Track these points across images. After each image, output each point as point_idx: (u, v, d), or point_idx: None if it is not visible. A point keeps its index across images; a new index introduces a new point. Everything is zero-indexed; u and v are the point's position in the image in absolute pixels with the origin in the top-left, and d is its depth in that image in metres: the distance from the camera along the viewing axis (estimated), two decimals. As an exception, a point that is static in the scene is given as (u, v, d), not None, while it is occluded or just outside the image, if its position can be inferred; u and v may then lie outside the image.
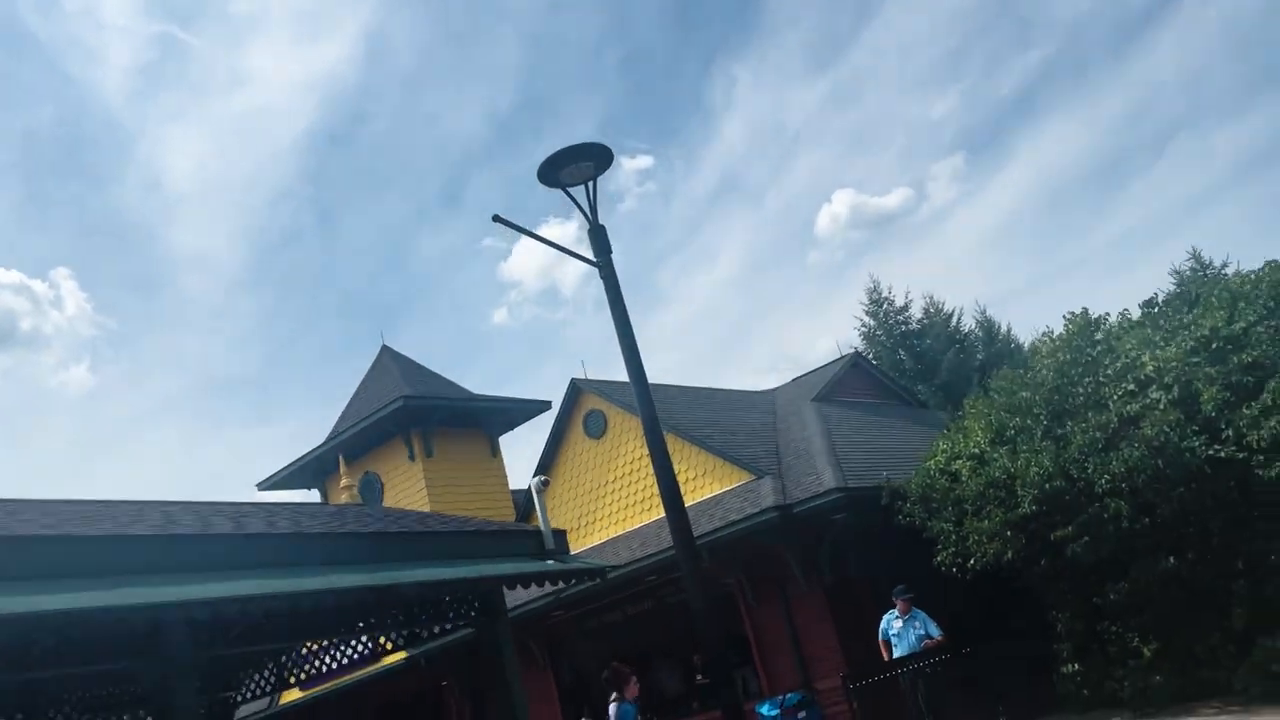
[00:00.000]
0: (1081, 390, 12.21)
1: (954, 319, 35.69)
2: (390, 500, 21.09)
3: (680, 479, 16.42)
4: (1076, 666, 12.21)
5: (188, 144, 69.27)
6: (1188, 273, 31.42)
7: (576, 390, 17.77)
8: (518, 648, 17.80)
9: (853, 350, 20.80)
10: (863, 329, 35.41)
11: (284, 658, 11.19)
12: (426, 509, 20.24)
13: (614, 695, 9.12)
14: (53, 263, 67.27)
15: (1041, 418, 12.39)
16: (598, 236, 7.37)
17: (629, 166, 68.07)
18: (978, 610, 15.52)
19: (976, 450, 13.09)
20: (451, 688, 18.99)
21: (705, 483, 16.05)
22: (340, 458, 11.32)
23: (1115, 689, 11.89)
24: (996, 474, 12.07)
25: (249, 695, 11.49)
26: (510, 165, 76.12)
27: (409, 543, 8.84)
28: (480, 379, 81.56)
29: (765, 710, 13.62)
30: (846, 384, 20.46)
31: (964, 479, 12.48)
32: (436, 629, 10.62)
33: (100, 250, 69.67)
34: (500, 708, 9.93)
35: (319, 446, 21.31)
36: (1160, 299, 13.95)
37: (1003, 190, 59.67)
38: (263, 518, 8.80)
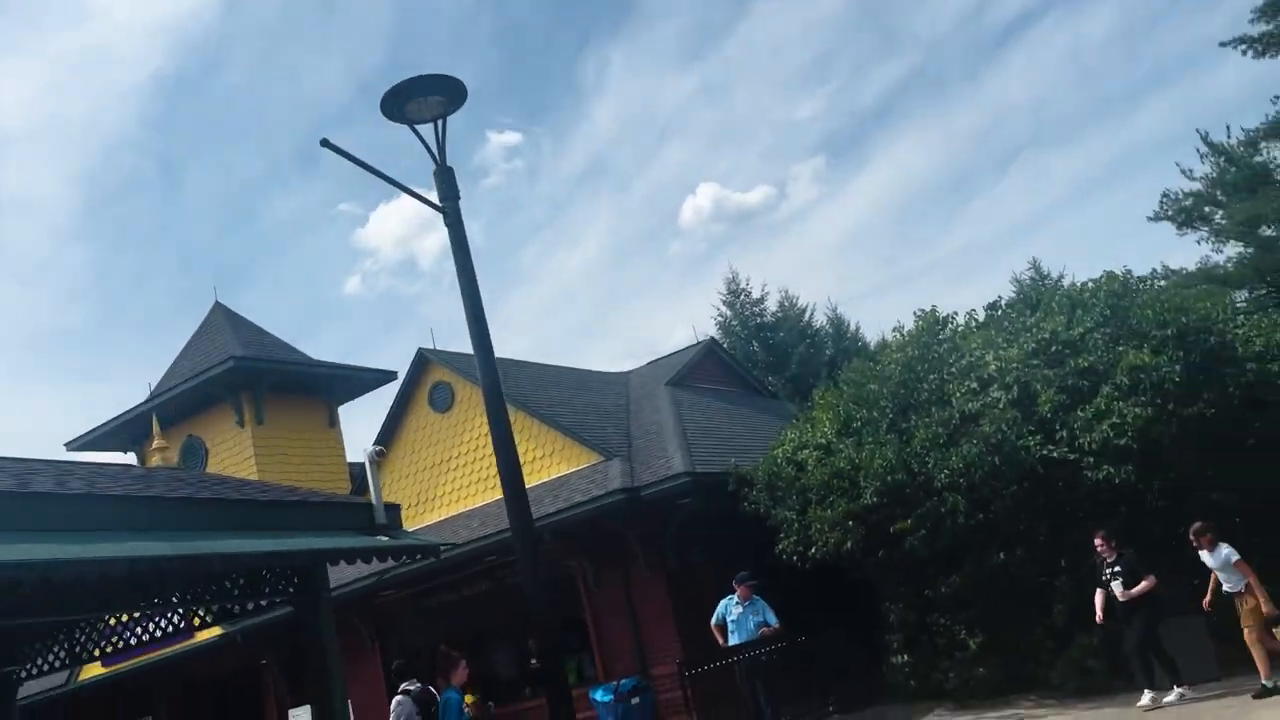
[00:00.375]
0: (927, 386, 12.39)
1: (807, 314, 36.43)
2: (215, 468, 19.77)
3: (527, 458, 15.95)
4: (906, 658, 12.42)
5: (19, 79, 63.93)
6: (1028, 281, 32.91)
7: (424, 361, 17.03)
8: (343, 627, 16.95)
9: (709, 337, 20.76)
10: (719, 319, 35.72)
11: (77, 631, 10.15)
12: (254, 479, 19.09)
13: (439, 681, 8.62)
14: None
15: (887, 411, 12.51)
16: (444, 179, 6.80)
17: (496, 142, 66.85)
18: (815, 601, 15.67)
19: (823, 441, 13.14)
20: (270, 667, 17.98)
21: (552, 462, 15.63)
22: (154, 417, 10.34)
23: (941, 680, 12.15)
24: (841, 464, 12.11)
25: (35, 670, 10.39)
26: (372, 131, 73.27)
27: (222, 511, 8.04)
28: (328, 349, 78.52)
29: (599, 695, 13.34)
30: (701, 371, 20.41)
31: (810, 468, 12.49)
32: (251, 605, 9.86)
33: None
34: (316, 692, 9.27)
35: (137, 406, 19.80)
36: (1003, 303, 14.35)
37: (859, 195, 61.51)
38: (52, 475, 7.86)
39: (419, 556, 9.82)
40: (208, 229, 70.70)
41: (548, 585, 15.08)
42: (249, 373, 19.27)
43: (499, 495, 16.30)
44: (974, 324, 13.47)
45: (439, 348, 17.24)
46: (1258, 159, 26.02)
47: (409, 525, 17.26)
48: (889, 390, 12.52)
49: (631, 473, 14.09)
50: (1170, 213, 34.61)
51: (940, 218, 61.42)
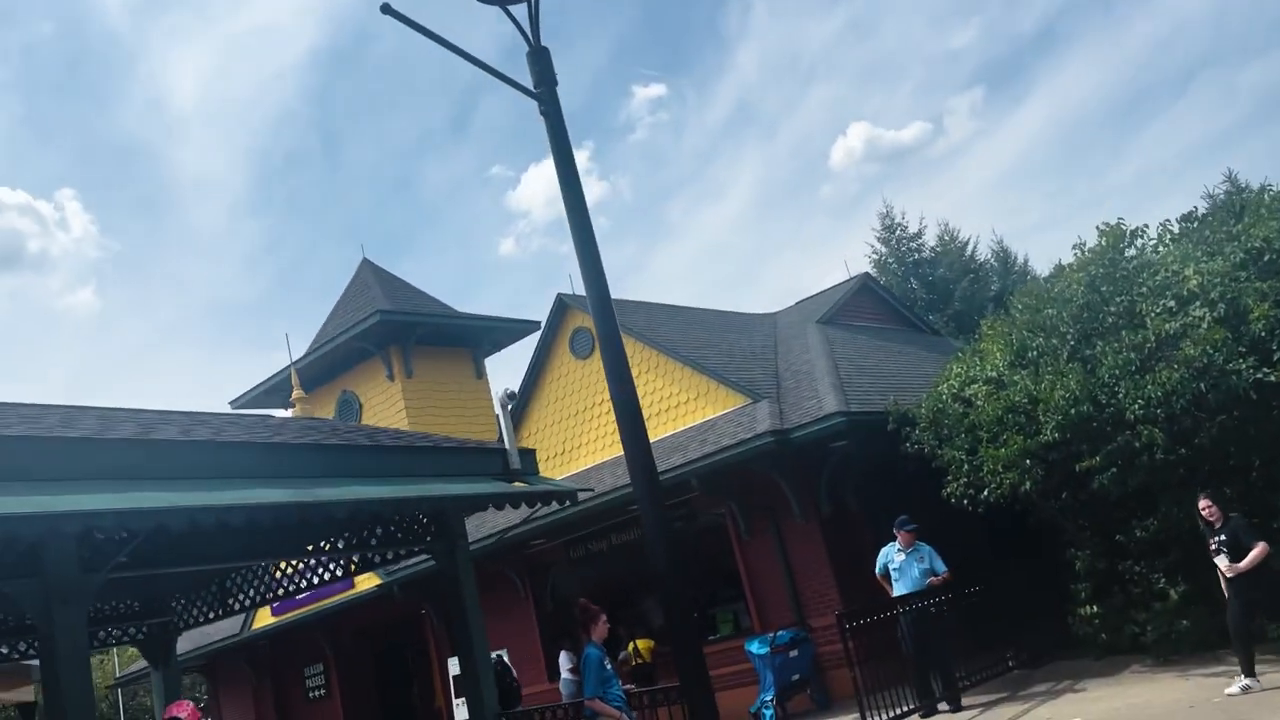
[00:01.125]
0: (1114, 308, 10.99)
1: (969, 248, 34.38)
2: (369, 422, 20.04)
3: (671, 402, 15.36)
4: (1095, 609, 11.21)
5: (190, 64, 67.38)
6: (1222, 196, 29.75)
7: (563, 306, 16.59)
8: (496, 577, 16.89)
9: (863, 273, 19.53)
10: (874, 256, 34.09)
11: (227, 581, 10.20)
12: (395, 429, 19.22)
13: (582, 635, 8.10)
14: (57, 183, 65.99)
15: (1069, 337, 11.19)
16: (539, 61, 6.07)
17: (641, 95, 66.24)
18: (989, 548, 14.52)
19: (994, 374, 11.91)
20: (429, 616, 18.16)
21: (697, 406, 14.95)
22: (294, 370, 10.26)
23: (1137, 633, 10.91)
24: (1017, 398, 10.91)
25: (190, 619, 10.53)
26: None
27: (350, 457, 7.73)
28: (486, 309, 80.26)
29: (754, 648, 12.68)
30: (854, 308, 19.25)
31: (980, 404, 11.33)
32: (391, 554, 9.62)
33: (104, 171, 68.33)
34: (459, 640, 8.95)
35: (292, 363, 20.19)
36: (1200, 213, 12.66)
37: (1022, 125, 57.76)
38: (179, 424, 7.70)
39: (559, 503, 9.32)
40: (368, 198, 73.13)
41: (681, 540, 14.58)
42: (396, 326, 19.34)
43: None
44: (1168, 237, 11.90)
45: (574, 289, 16.75)
46: None
47: (554, 474, 16.99)
48: (1069, 314, 11.18)
49: (780, 414, 13.26)
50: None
51: (1112, 145, 57.06)
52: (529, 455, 9.26)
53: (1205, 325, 9.99)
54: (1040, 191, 59.67)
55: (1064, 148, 58.09)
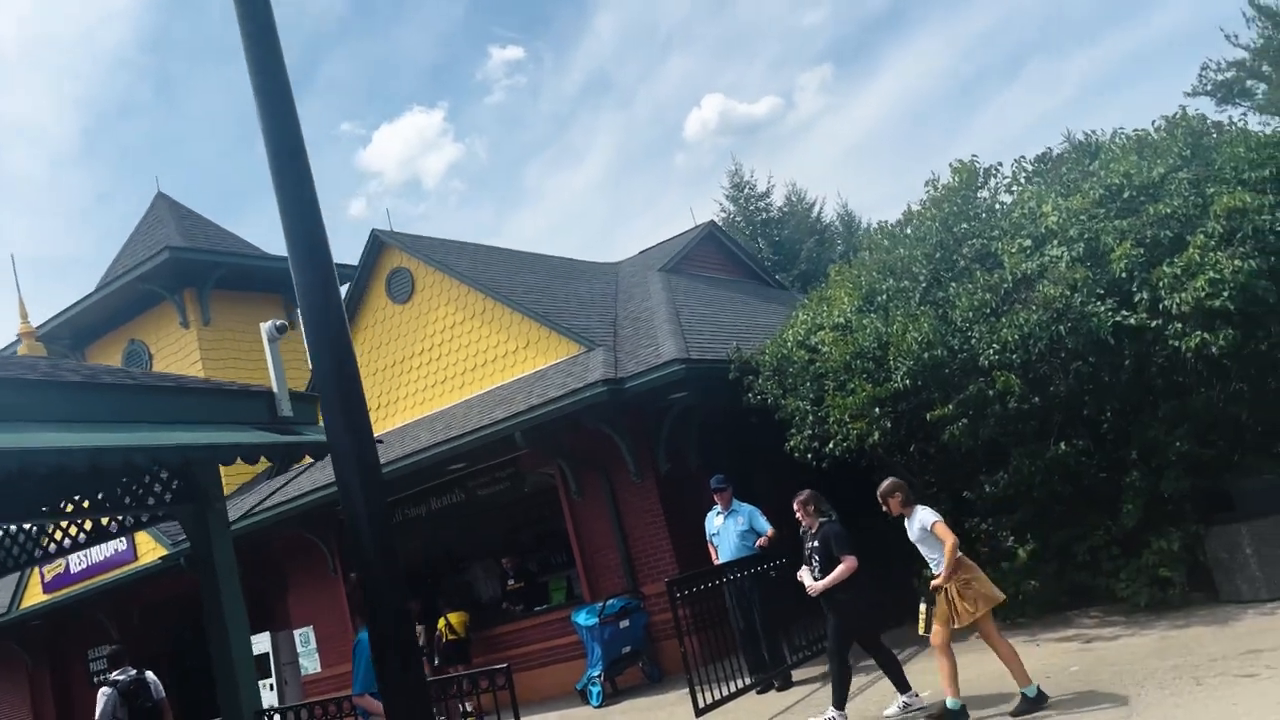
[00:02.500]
0: (968, 249, 10.23)
1: (816, 209, 34.09)
2: (161, 374, 17.81)
3: (499, 351, 13.94)
4: (941, 569, 10.48)
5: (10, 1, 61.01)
6: (1079, 137, 30.02)
7: (379, 244, 14.87)
8: (304, 545, 15.16)
9: (709, 220, 18.51)
10: (723, 215, 33.34)
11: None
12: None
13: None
14: None
15: (920, 279, 10.38)
16: None
17: (498, 57, 63.97)
18: (833, 506, 13.87)
19: (842, 320, 11.02)
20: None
21: (527, 355, 13.58)
22: (20, 299, 8.44)
23: (983, 595, 10.25)
24: (866, 343, 10.02)
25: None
26: (369, 45, 70.50)
27: (47, 396, 6.02)
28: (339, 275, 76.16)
29: (581, 619, 11.51)
30: (699, 257, 18.24)
31: (826, 350, 10.40)
32: (132, 518, 7.93)
33: None
34: (212, 628, 7.38)
35: (70, 307, 17.73)
36: (1054, 154, 12.07)
37: (868, 104, 58.46)
38: None
39: (322, 455, 7.82)
40: (205, 152, 68.31)
41: (507, 503, 13.27)
42: (191, 266, 17.15)
43: (466, 395, 14.35)
44: (1023, 176, 11.24)
45: (393, 225, 15.06)
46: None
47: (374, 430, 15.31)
48: (923, 253, 10.36)
49: (616, 363, 12.05)
50: (1209, 87, 31.98)
51: (950, 125, 58.42)
52: (306, 402, 7.73)
53: (1064, 264, 9.29)
54: (885, 167, 60.71)
55: (907, 127, 59.18)
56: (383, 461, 11.65)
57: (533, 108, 67.82)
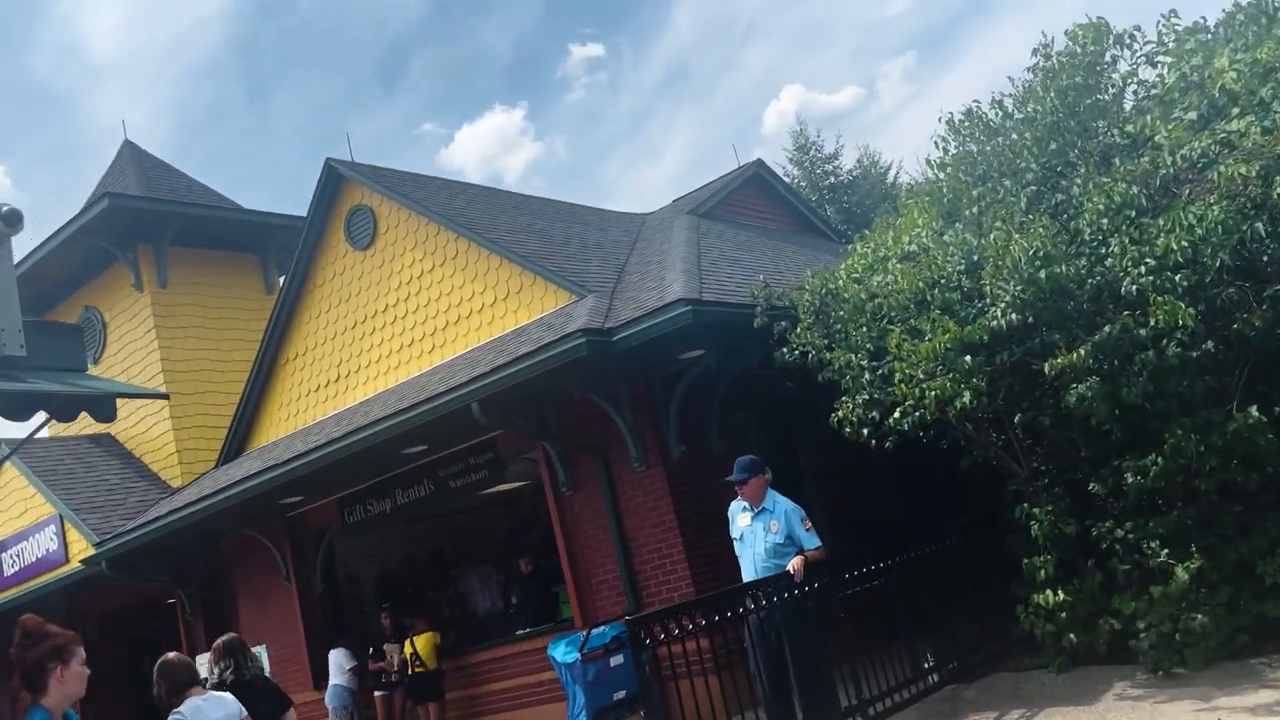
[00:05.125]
0: (1104, 128, 7.02)
1: (891, 173, 30.51)
2: (116, 348, 15.38)
3: (474, 305, 11.03)
4: (1059, 594, 7.25)
5: (107, 9, 61.25)
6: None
7: (336, 177, 12.07)
8: (253, 548, 12.54)
9: (755, 159, 15.42)
10: (786, 179, 30.00)
11: None
12: (156, 359, 14.65)
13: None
14: None
15: (1027, 176, 7.20)
16: None
17: (578, 55, 62.19)
18: (894, 504, 10.71)
19: (914, 247, 7.90)
20: (180, 602, 13.69)
21: (507, 309, 10.68)
22: None
23: (1122, 632, 7.07)
24: (949, 262, 6.89)
25: None
26: (451, 46, 69.50)
27: None
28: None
29: (559, 653, 8.57)
30: (741, 201, 15.15)
31: (894, 279, 7.29)
32: None
33: (18, 120, 62.56)
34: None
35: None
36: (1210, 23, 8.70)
37: (952, 91, 54.64)
38: None
39: (63, 419, 5.00)
40: (293, 155, 68.10)
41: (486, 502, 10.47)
42: (142, 219, 14.63)
43: (438, 360, 11.47)
44: (1170, 40, 7.95)
45: (354, 156, 12.27)
46: None
47: (332, 406, 12.67)
48: (1035, 137, 7.15)
49: (609, 311, 9.09)
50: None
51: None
52: (55, 334, 5.00)
53: (1254, 138, 6.05)
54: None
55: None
56: (320, 443, 8.92)
57: (612, 104, 65.96)
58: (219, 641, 6.65)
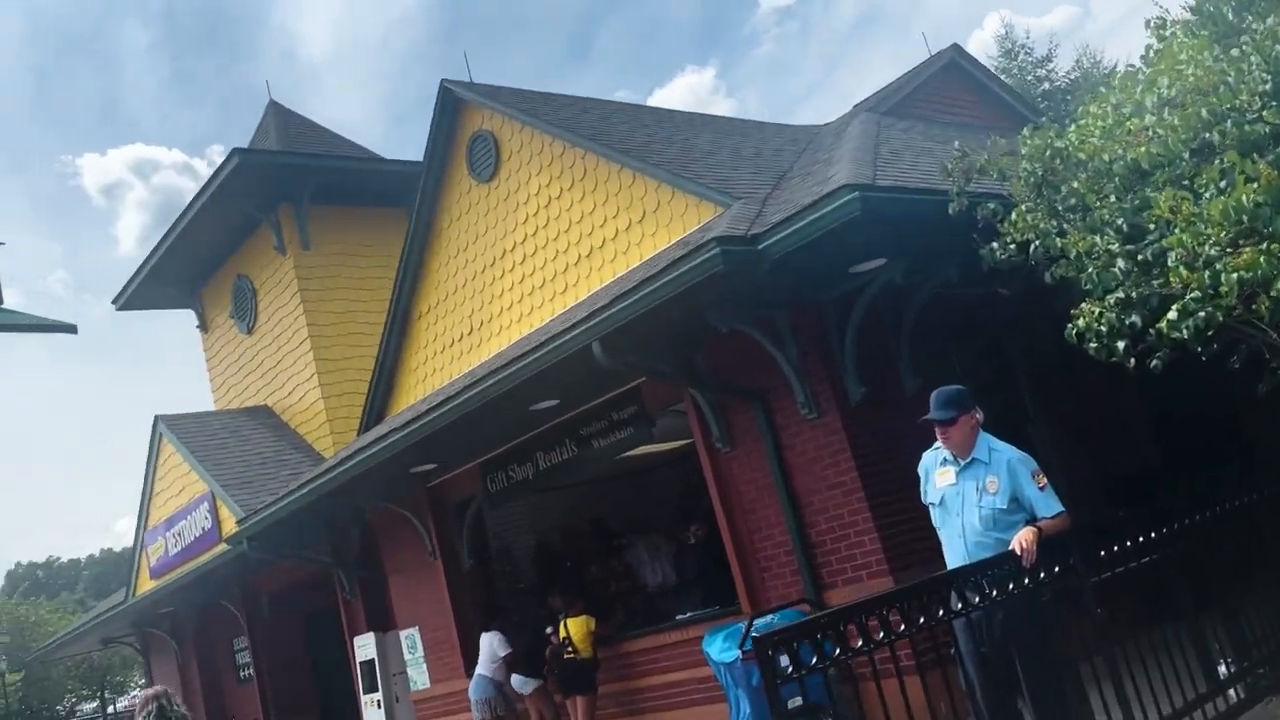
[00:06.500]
0: None
1: (1115, 74, 26.52)
2: (267, 316, 14.78)
3: (607, 230, 9.33)
4: None
5: (319, 11, 64.89)
6: None
7: (455, 101, 10.63)
8: (398, 522, 11.49)
9: (951, 45, 12.85)
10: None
11: None
12: (302, 324, 13.89)
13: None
14: (207, 140, 65.13)
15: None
16: None
17: (768, 5, 59.78)
18: (1151, 448, 8.43)
19: (1173, 93, 5.51)
20: (337, 578, 12.92)
21: (643, 233, 8.92)
22: None
23: None
24: (1246, 84, 4.55)
25: None
26: (638, 11, 68.89)
27: None
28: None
29: (714, 649, 6.86)
30: (934, 95, 12.71)
31: (1165, 124, 4.97)
32: None
33: (247, 125, 67.66)
34: None
35: (159, 244, 15.05)
36: None
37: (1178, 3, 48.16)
38: None
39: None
40: None
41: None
42: (277, 177, 13.85)
43: (570, 301, 9.82)
44: None
45: (473, 79, 10.78)
46: None
47: (466, 363, 11.34)
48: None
49: (755, 218, 7.16)
50: None
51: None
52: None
53: None
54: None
55: None
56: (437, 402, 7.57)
57: (802, 53, 63.19)
58: (144, 693, 5.45)
